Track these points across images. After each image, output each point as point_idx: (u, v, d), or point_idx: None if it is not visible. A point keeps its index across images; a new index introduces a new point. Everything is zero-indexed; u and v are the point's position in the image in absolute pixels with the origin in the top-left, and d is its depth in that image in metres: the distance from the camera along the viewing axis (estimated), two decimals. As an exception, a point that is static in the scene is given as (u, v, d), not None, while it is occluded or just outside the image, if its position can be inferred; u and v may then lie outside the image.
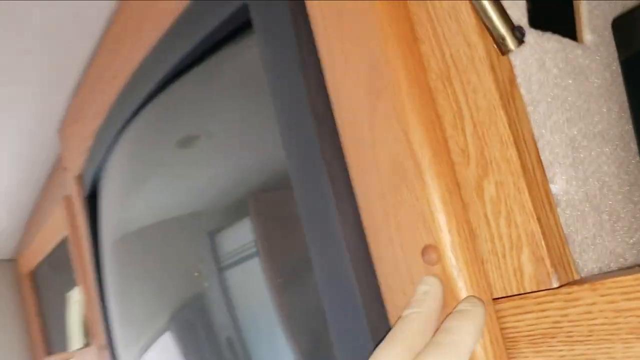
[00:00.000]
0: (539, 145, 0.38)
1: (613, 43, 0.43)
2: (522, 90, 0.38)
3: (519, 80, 0.38)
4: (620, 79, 0.43)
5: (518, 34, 0.37)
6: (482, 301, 0.37)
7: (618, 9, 0.45)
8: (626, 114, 0.43)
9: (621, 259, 0.40)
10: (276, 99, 0.49)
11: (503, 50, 0.37)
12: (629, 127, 0.43)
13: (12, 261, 1.69)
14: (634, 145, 0.43)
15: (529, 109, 0.39)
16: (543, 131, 0.39)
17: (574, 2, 0.43)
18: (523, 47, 0.39)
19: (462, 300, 0.37)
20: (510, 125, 0.37)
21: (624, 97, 0.43)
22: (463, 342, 0.34)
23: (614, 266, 0.40)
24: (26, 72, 0.90)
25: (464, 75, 0.39)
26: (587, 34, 0.43)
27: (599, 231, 0.40)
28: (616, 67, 0.43)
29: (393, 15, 0.41)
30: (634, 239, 0.41)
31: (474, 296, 0.38)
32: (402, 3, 0.41)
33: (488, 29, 0.37)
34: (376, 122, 0.41)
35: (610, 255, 0.40)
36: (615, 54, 0.43)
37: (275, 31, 0.49)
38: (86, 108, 0.96)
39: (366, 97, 0.42)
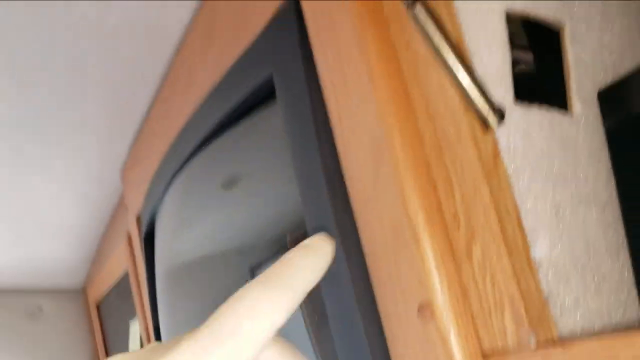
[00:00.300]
0: (523, 212, 0.42)
1: (599, 112, 0.46)
2: (506, 162, 0.42)
3: (503, 153, 0.42)
4: (607, 147, 0.46)
5: (497, 115, 0.41)
6: (332, 241, 0.34)
7: (605, 76, 0.48)
8: (613, 179, 0.46)
9: (607, 319, 0.43)
10: (295, 160, 0.54)
11: (485, 127, 0.41)
12: (615, 191, 0.45)
13: (81, 292, 1.80)
14: (619, 209, 0.45)
15: (513, 179, 0.42)
16: (527, 199, 0.42)
17: (564, 71, 0.46)
18: (509, 122, 0.43)
19: (313, 236, 0.33)
20: (492, 196, 0.41)
21: (609, 163, 0.46)
22: (299, 276, 0.30)
23: (598, 326, 0.42)
24: (91, 120, 0.99)
25: (452, 149, 0.43)
26: (576, 104, 0.46)
27: (584, 292, 0.43)
28: (602, 133, 0.46)
29: (392, 92, 0.45)
30: (620, 299, 0.44)
31: (325, 235, 0.34)
32: (399, 83, 0.46)
33: (473, 112, 0.41)
34: (379, 185, 0.46)
35: (595, 315, 0.43)
36: (601, 123, 0.46)
37: (294, 100, 0.54)
38: (145, 153, 1.05)
39: (371, 162, 0.46)
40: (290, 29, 0.55)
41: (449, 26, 0.43)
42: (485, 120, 0.41)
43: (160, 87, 0.93)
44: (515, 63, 0.45)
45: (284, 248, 0.63)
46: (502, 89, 0.43)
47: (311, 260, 0.31)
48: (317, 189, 0.52)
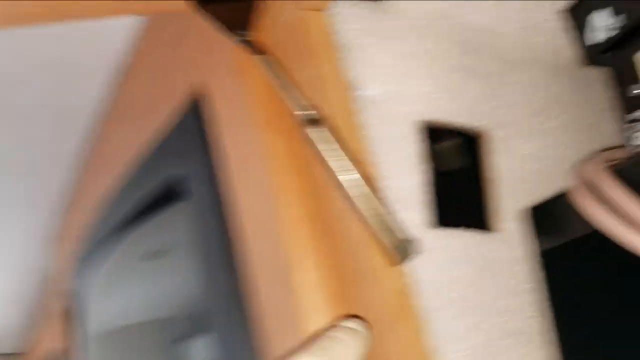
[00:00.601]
0: (442, 354, 0.37)
1: (527, 232, 0.42)
2: (423, 298, 0.38)
3: (417, 287, 0.38)
4: (537, 271, 0.42)
5: (408, 246, 0.36)
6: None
7: (532, 195, 0.44)
8: (546, 307, 0.41)
9: None
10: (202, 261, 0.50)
11: (394, 261, 0.37)
12: (548, 323, 0.41)
13: (16, 355, 1.72)
14: (553, 342, 0.41)
15: (431, 316, 0.38)
16: (447, 340, 0.37)
17: (486, 190, 0.43)
18: (424, 251, 0.38)
19: (348, 320, 0.37)
20: (406, 338, 0.36)
21: (541, 291, 0.42)
22: (343, 352, 0.35)
23: None
24: (15, 196, 0.94)
25: (360, 284, 0.38)
26: (501, 223, 0.42)
27: None
28: (532, 258, 0.42)
29: (295, 216, 0.41)
30: None
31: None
32: (304, 203, 0.41)
33: (380, 246, 0.37)
34: (281, 309, 0.41)
35: None
36: (530, 244, 0.42)
37: (201, 200, 0.50)
38: (71, 227, 1.00)
39: (277, 285, 0.42)
40: (197, 127, 0.51)
41: (353, 145, 0.39)
42: (394, 253, 0.37)
43: (78, 164, 0.89)
44: (431, 181, 0.40)
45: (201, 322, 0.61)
46: (416, 213, 0.39)
47: (354, 340, 0.35)
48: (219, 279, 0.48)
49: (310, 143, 0.37)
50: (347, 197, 0.37)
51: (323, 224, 0.41)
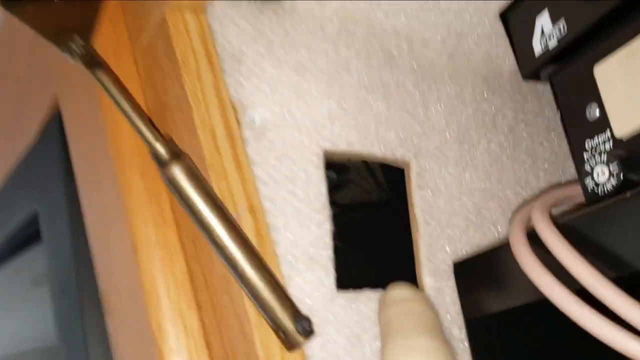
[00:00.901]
0: None
1: (455, 289, 0.34)
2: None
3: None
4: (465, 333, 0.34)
5: (301, 329, 0.27)
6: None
7: (461, 242, 0.36)
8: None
9: None
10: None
11: (288, 346, 0.28)
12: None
13: None
14: None
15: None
16: None
17: (405, 237, 0.34)
18: (330, 322, 0.30)
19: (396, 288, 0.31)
20: None
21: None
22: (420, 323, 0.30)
23: None
24: None
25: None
26: (426, 278, 0.34)
27: None
28: (461, 319, 0.34)
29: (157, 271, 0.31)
30: None
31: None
32: (169, 258, 0.32)
33: (271, 326, 0.28)
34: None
35: None
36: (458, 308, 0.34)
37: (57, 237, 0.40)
38: None
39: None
40: (50, 152, 0.40)
41: (233, 187, 0.29)
42: (286, 335, 0.28)
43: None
44: (339, 230, 0.32)
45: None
46: (320, 274, 0.30)
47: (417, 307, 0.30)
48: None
49: (169, 186, 0.28)
50: (225, 259, 0.28)
51: (203, 291, 0.31)
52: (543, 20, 0.35)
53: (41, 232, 0.43)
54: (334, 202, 0.31)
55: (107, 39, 0.34)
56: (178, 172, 0.27)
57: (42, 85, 0.43)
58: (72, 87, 0.37)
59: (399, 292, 0.31)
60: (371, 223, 0.37)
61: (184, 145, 0.30)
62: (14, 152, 0.49)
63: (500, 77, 0.43)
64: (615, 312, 0.24)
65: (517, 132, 0.42)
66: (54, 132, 0.40)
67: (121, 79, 0.33)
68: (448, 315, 0.34)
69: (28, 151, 0.44)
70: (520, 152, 0.42)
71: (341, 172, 0.37)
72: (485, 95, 0.41)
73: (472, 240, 0.37)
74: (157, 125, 0.33)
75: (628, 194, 0.24)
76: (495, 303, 0.31)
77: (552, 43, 0.35)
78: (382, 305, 0.31)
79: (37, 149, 0.43)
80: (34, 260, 0.64)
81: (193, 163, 0.28)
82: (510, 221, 0.33)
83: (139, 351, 0.34)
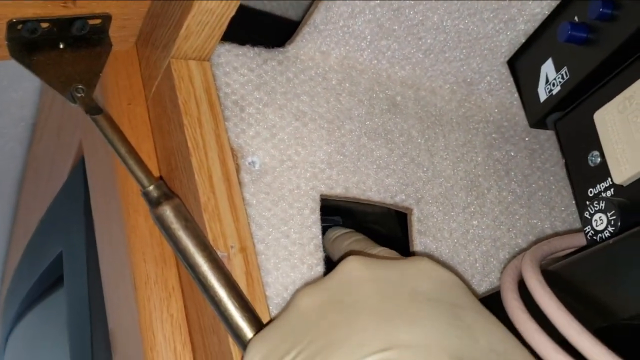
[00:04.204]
0: None
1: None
2: None
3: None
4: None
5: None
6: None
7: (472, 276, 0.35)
8: None
9: None
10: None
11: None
12: None
13: None
14: None
15: None
16: None
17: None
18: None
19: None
20: None
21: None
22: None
23: None
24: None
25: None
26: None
27: None
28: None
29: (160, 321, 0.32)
30: None
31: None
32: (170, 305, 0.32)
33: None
34: None
35: None
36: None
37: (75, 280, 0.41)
38: None
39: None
40: (74, 196, 0.42)
41: (227, 229, 0.30)
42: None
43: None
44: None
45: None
46: None
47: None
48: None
49: (157, 224, 0.29)
50: (209, 298, 0.28)
51: (197, 332, 0.32)
52: (547, 68, 0.35)
53: (64, 272, 0.44)
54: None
55: (122, 89, 0.36)
56: (167, 212, 0.28)
57: (72, 132, 0.45)
58: (92, 133, 0.39)
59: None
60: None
61: (183, 187, 0.31)
62: (52, 195, 0.52)
63: (516, 125, 0.42)
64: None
65: (532, 180, 0.41)
66: (79, 175, 0.42)
67: (134, 125, 0.35)
68: None
69: (57, 194, 0.46)
70: (535, 200, 0.41)
71: (347, 216, 0.37)
72: (498, 143, 0.41)
73: (479, 289, 0.36)
74: (162, 168, 0.34)
75: (611, 241, 0.24)
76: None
77: (556, 89, 0.34)
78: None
79: (64, 191, 0.45)
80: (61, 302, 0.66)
81: (183, 204, 0.29)
82: (503, 269, 0.32)
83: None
